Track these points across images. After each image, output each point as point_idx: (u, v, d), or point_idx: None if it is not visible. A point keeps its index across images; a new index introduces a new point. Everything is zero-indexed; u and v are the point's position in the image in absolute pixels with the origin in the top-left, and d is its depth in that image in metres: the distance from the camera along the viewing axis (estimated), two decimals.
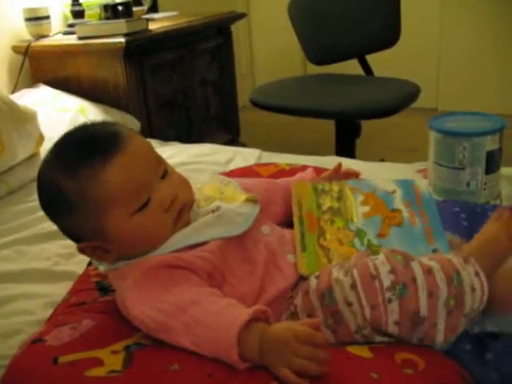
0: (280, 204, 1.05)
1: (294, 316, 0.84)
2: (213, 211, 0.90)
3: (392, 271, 0.77)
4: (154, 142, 1.97)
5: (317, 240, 0.95)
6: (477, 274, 0.79)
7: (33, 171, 1.66)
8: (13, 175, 1.61)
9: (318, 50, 2.57)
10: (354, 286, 0.78)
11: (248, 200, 0.94)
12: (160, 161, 0.90)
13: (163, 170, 0.89)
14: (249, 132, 3.05)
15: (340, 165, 1.13)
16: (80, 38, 2.08)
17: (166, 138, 2.08)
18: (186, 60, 2.37)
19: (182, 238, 0.87)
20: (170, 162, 1.68)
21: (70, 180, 0.83)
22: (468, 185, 1.31)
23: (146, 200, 0.85)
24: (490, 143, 1.28)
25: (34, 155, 1.68)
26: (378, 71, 2.57)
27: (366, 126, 2.54)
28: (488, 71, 3.48)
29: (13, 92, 2.07)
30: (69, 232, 0.90)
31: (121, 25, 2.03)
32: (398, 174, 1.54)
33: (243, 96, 3.04)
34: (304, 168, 1.20)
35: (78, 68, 2.12)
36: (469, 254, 0.82)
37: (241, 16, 2.71)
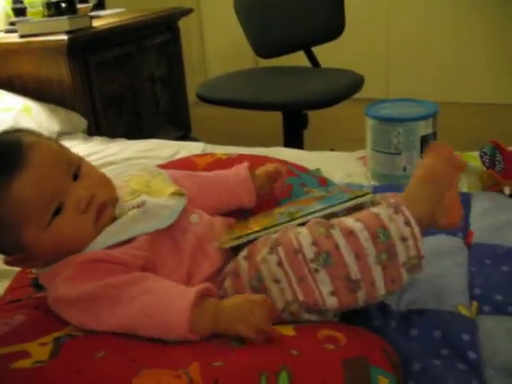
0: (211, 198, 1.05)
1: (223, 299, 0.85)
2: (138, 206, 0.90)
3: (314, 243, 0.79)
4: (100, 140, 1.96)
5: (242, 229, 0.97)
6: (407, 223, 0.80)
7: None
8: None
9: (265, 43, 2.58)
10: (280, 264, 0.79)
11: (174, 193, 0.94)
12: (70, 162, 0.87)
13: (75, 171, 0.87)
14: (203, 127, 3.05)
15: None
16: (21, 36, 2.04)
17: (116, 134, 2.07)
18: (133, 56, 2.36)
19: (109, 235, 0.86)
20: (115, 158, 1.70)
21: None
22: (404, 169, 1.35)
23: (56, 207, 0.84)
24: (424, 128, 1.32)
25: None
26: (328, 63, 2.60)
27: (318, 117, 2.57)
28: (436, 59, 3.55)
29: None
30: None
31: (63, 22, 2.01)
32: (341, 162, 1.58)
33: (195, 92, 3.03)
34: (241, 157, 1.22)
35: (21, 67, 2.08)
36: (400, 201, 0.83)
37: (187, 11, 2.70)
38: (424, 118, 1.32)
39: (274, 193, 1.11)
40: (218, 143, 1.84)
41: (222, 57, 3.97)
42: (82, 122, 2.06)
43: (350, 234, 0.79)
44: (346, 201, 0.90)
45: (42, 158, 0.84)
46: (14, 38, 2.07)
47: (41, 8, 2.26)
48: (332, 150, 2.17)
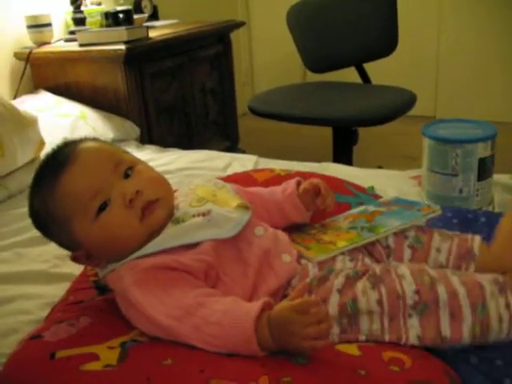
0: (264, 217, 1.05)
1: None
2: (204, 214, 0.92)
3: (417, 292, 0.81)
4: (153, 148, 2.00)
5: (317, 243, 1.00)
6: (507, 306, 0.80)
7: (32, 176, 1.68)
8: (13, 180, 1.63)
9: (316, 58, 2.60)
10: (380, 302, 0.81)
11: (240, 206, 0.95)
12: (121, 162, 0.92)
13: (126, 171, 0.91)
14: (249, 139, 3.07)
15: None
16: (81, 45, 2.10)
17: (167, 144, 2.10)
18: (185, 67, 2.40)
19: (173, 237, 0.89)
20: (168, 167, 1.73)
21: (38, 202, 0.90)
22: (461, 191, 1.33)
23: (102, 201, 0.88)
24: (482, 150, 1.31)
25: (35, 160, 1.70)
26: (377, 79, 2.60)
27: (366, 133, 2.56)
28: (486, 79, 3.50)
29: (14, 98, 2.09)
30: (61, 245, 0.95)
31: (121, 32, 2.06)
32: (392, 181, 1.57)
33: (243, 103, 3.07)
34: (298, 175, 1.22)
35: (78, 74, 2.14)
36: (507, 281, 0.83)
37: (240, 24, 2.74)
38: (483, 139, 1.30)
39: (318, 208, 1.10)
40: (264, 155, 1.86)
41: (270, 69, 4.00)
42: (135, 131, 2.10)
43: (453, 293, 0.80)
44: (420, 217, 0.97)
45: (88, 157, 0.90)
46: (73, 46, 2.13)
47: (99, 18, 2.32)
48: (380, 167, 2.16)
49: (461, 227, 1.17)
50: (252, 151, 2.06)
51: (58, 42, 2.26)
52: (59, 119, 1.91)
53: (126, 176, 0.91)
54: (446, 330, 0.79)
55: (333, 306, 0.83)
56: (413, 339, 0.80)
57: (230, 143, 2.73)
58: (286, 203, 1.07)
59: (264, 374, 0.70)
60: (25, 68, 2.16)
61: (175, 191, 1.02)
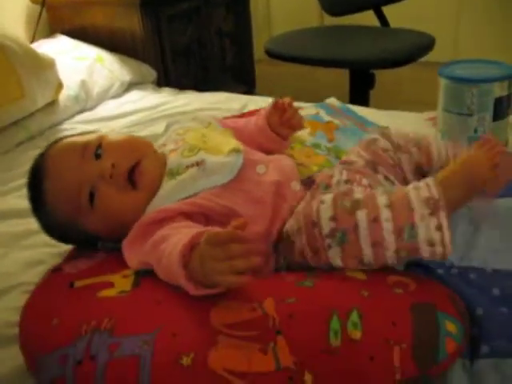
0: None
1: None
2: (198, 164, 0.92)
3: (333, 218, 0.78)
4: (169, 91, 2.01)
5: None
6: (439, 228, 0.74)
7: (52, 118, 1.71)
8: (33, 121, 1.66)
9: (334, 0, 2.55)
10: (299, 231, 0.82)
11: (232, 150, 0.95)
12: (87, 147, 0.93)
13: (95, 152, 0.92)
14: (265, 84, 3.05)
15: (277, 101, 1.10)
16: None
17: (183, 86, 2.11)
18: (202, 10, 2.37)
19: (171, 192, 0.89)
20: (185, 109, 1.74)
21: (45, 221, 0.97)
22: (475, 131, 1.33)
23: (88, 192, 0.90)
24: (498, 90, 1.30)
25: (54, 102, 1.73)
26: (397, 22, 2.55)
27: (383, 77, 2.53)
28: (508, 23, 3.42)
29: (31, 42, 2.09)
30: (85, 244, 0.99)
31: None
32: (408, 122, 1.57)
33: (260, 48, 3.03)
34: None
35: (95, 18, 2.14)
36: (441, 200, 0.76)
37: None
38: (500, 79, 1.29)
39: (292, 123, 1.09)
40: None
41: (287, 13, 3.92)
42: (151, 73, 2.11)
43: (375, 219, 0.76)
44: None
45: (55, 164, 0.93)
46: None
47: None
48: None
49: None
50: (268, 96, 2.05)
51: None
52: (76, 62, 1.92)
53: (97, 156, 0.92)
54: (368, 257, 0.77)
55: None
56: (336, 264, 0.79)
57: (246, 88, 2.71)
58: (261, 137, 1.09)
59: (269, 295, 0.72)
60: (41, 12, 2.16)
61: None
